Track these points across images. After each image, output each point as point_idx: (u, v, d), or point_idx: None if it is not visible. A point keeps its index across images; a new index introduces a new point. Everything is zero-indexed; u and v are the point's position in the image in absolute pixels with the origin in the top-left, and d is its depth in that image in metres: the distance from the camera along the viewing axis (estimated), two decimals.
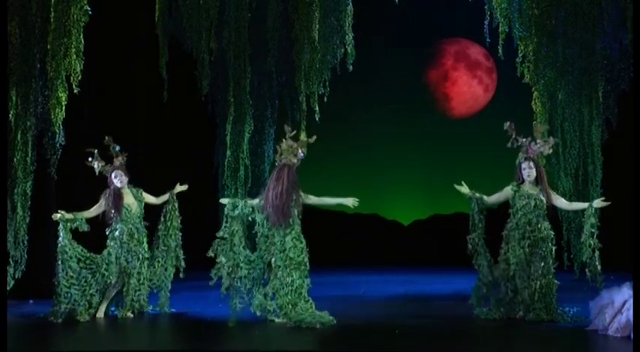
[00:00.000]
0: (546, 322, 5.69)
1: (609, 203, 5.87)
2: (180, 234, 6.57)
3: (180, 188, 6.60)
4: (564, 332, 5.36)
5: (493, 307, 5.97)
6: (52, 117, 7.05)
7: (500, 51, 8.27)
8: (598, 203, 5.89)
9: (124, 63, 9.40)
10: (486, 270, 5.95)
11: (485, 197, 6.02)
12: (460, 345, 5.06)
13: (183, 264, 6.55)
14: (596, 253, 5.80)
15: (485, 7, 8.35)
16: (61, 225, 6.13)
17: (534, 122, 6.05)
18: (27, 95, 7.27)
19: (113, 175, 6.32)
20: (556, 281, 5.86)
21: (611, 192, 9.05)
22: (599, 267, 5.78)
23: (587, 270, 5.84)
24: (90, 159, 6.39)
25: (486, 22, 8.39)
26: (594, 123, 9.15)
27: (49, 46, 6.97)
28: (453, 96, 13.07)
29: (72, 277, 6.05)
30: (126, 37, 9.23)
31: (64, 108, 7.03)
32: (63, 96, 6.98)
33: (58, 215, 6.16)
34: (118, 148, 6.41)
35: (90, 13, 6.99)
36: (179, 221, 6.55)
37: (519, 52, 8.47)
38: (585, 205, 5.94)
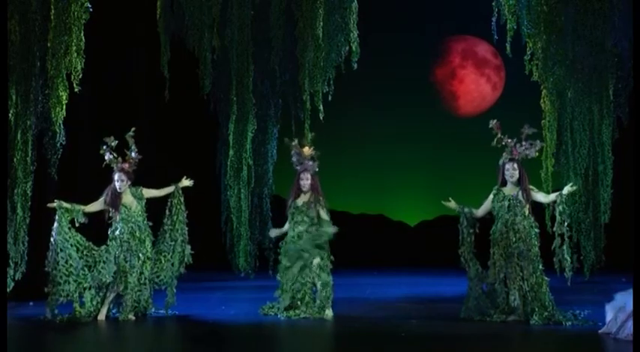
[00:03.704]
0: (552, 324, 5.59)
1: (576, 187, 5.94)
2: (187, 228, 6.44)
3: (186, 182, 6.46)
4: (575, 334, 5.26)
5: (493, 311, 5.90)
6: (53, 116, 6.97)
7: (508, 48, 8.12)
8: (567, 189, 5.82)
9: (125, 61, 9.33)
10: (475, 283, 5.99)
11: (474, 210, 6.06)
12: (467, 348, 4.97)
13: (190, 259, 6.41)
14: (566, 242, 5.70)
15: (493, 3, 8.21)
16: (58, 214, 5.99)
17: (525, 126, 5.98)
18: (27, 94, 7.20)
19: (116, 176, 6.18)
20: (546, 278, 5.78)
21: (622, 192, 8.93)
22: (568, 258, 5.68)
23: (554, 259, 5.70)
24: (104, 147, 6.19)
25: (494, 19, 8.25)
26: (604, 121, 9.02)
27: (49, 44, 6.89)
28: (460, 95, 12.92)
29: (71, 266, 5.90)
30: (127, 35, 9.16)
31: (64, 107, 6.94)
32: (63, 95, 6.90)
33: (55, 203, 6.01)
34: (135, 153, 6.24)
35: (91, 10, 6.90)
36: (185, 215, 6.42)
37: (528, 49, 8.32)
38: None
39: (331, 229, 6.23)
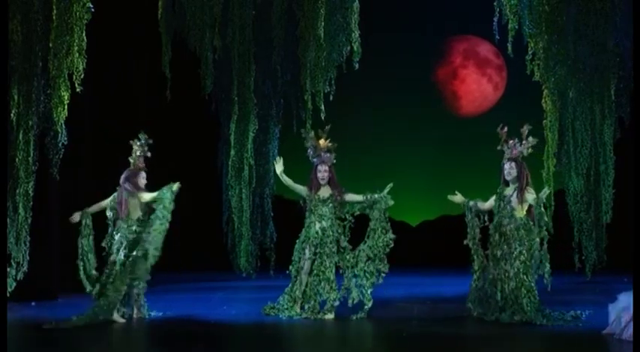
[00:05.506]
0: (528, 323, 5.59)
1: (550, 191, 5.97)
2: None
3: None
4: (577, 335, 5.25)
5: (485, 310, 5.94)
6: (55, 116, 6.94)
7: (509, 48, 8.10)
8: (542, 194, 5.86)
9: (127, 61, 9.33)
10: (477, 275, 6.03)
11: (479, 203, 6.10)
12: (467, 348, 4.96)
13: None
14: (544, 245, 5.69)
15: (495, 3, 8.18)
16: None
17: (524, 126, 6.03)
18: (29, 94, 7.16)
19: (141, 175, 6.20)
20: (526, 282, 5.75)
21: (624, 191, 8.90)
22: (547, 264, 5.68)
23: (532, 262, 5.69)
24: (141, 143, 6.23)
25: (495, 19, 8.22)
26: (606, 121, 9.01)
27: (51, 44, 6.86)
28: (462, 95, 12.90)
29: (117, 271, 5.88)
30: (128, 35, 9.15)
31: (66, 107, 6.92)
32: (65, 95, 6.87)
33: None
34: (148, 152, 6.28)
35: (92, 10, 6.89)
36: None
37: (529, 49, 8.29)
38: None
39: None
